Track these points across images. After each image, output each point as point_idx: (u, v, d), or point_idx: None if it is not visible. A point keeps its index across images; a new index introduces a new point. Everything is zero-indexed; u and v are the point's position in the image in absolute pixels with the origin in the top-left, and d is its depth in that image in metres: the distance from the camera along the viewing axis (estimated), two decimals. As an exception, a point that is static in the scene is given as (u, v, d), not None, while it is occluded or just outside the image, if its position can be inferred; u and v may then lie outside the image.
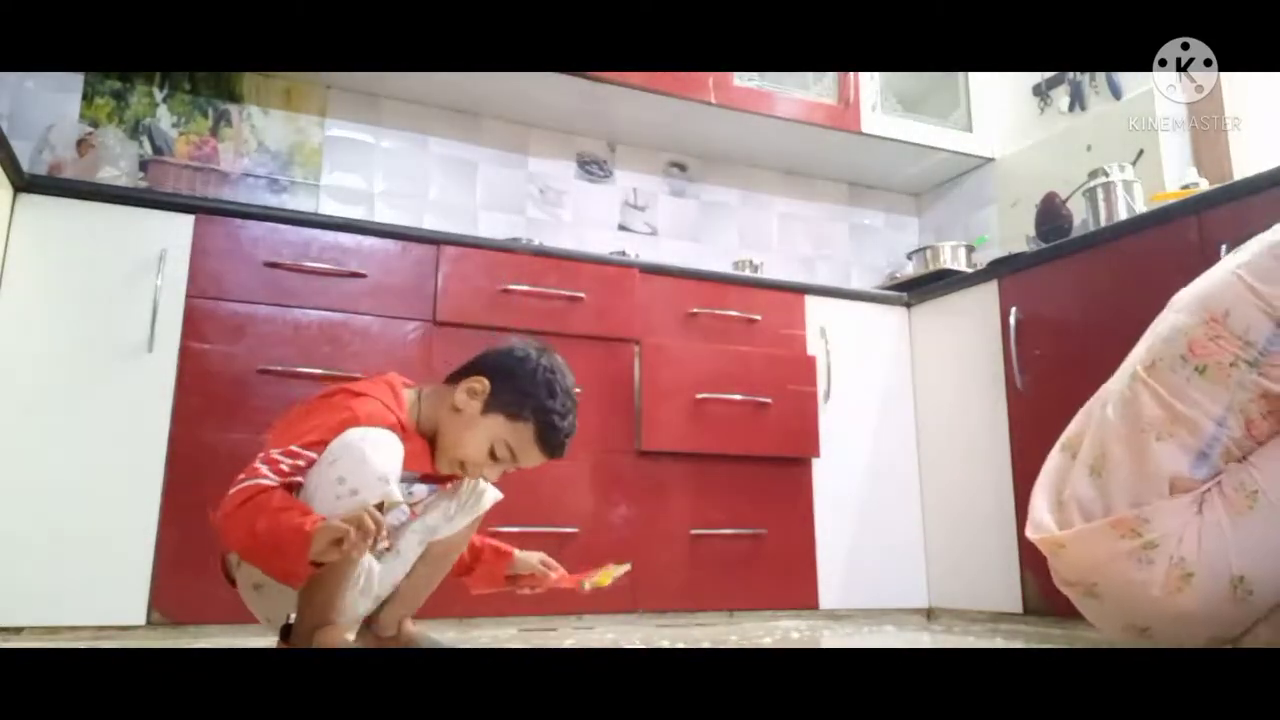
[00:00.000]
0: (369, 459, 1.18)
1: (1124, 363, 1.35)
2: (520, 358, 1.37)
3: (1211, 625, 1.13)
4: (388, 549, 1.38)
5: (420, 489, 1.41)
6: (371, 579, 1.35)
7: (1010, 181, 3.14)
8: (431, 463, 1.37)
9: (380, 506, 1.15)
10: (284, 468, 1.18)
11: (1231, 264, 1.23)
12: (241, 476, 1.16)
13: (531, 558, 1.54)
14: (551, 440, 1.35)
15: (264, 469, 1.16)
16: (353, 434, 1.21)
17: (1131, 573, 1.13)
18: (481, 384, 1.34)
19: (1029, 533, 1.30)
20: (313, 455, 1.20)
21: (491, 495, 1.45)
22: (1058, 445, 1.36)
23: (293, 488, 1.17)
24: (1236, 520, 1.10)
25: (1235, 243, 1.92)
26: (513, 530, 2.13)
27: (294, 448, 1.20)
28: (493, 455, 1.34)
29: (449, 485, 1.43)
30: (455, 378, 1.38)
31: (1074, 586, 1.24)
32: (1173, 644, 1.17)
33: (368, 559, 1.32)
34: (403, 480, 1.33)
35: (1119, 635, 1.22)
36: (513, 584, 1.54)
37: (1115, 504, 1.17)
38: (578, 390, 1.40)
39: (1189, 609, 1.11)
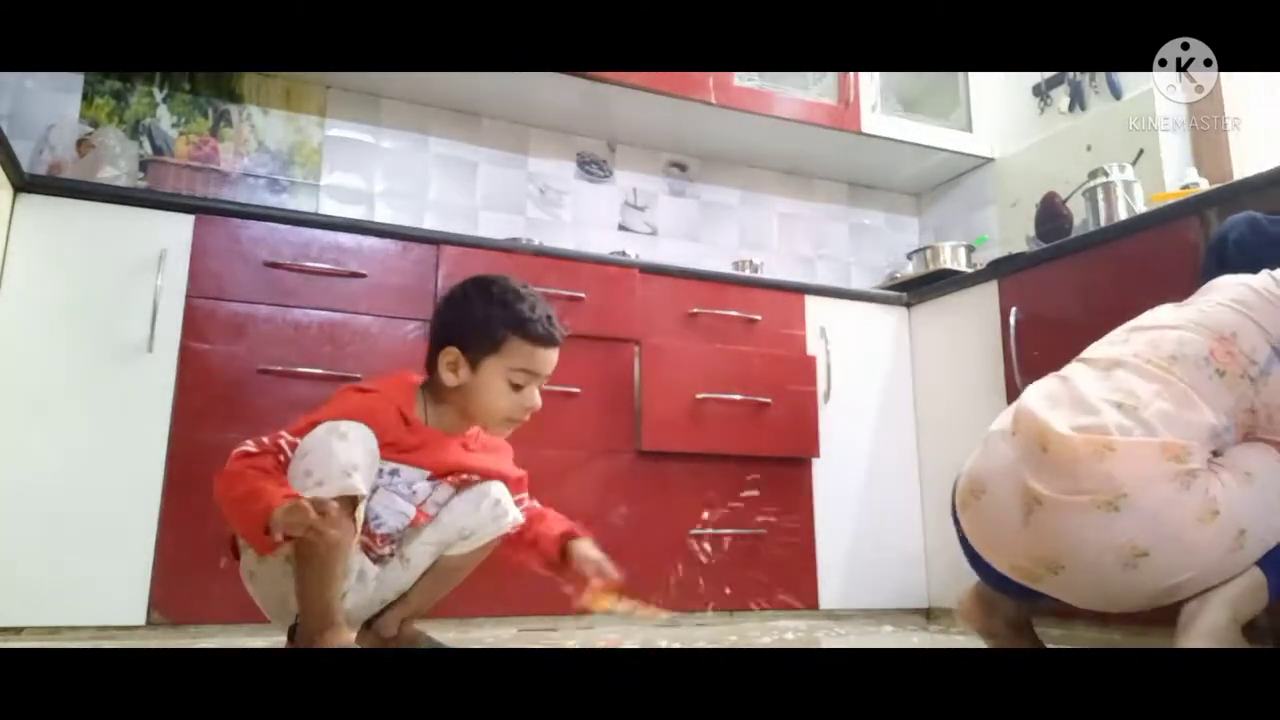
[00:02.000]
0: (335, 452, 1.22)
1: (1087, 360, 1.40)
2: (457, 300, 1.41)
3: (1204, 567, 1.22)
4: (390, 554, 1.38)
5: (423, 487, 1.39)
6: (366, 580, 1.35)
7: (1010, 181, 3.14)
8: (451, 452, 1.37)
9: (354, 501, 1.21)
10: (284, 446, 1.26)
11: (1219, 298, 1.35)
12: (249, 442, 1.27)
13: (591, 554, 1.44)
14: (539, 332, 1.37)
15: (265, 441, 1.27)
16: (323, 428, 1.25)
17: (1171, 493, 1.20)
18: (451, 353, 1.36)
19: (1061, 428, 1.27)
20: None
21: (513, 518, 1.44)
22: (1038, 398, 1.37)
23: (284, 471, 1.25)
24: (1243, 486, 1.23)
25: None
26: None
27: (290, 437, 1.27)
28: (515, 387, 1.37)
29: (463, 484, 1.42)
30: (430, 364, 1.40)
31: (1087, 495, 1.22)
32: (1155, 576, 1.22)
33: (360, 559, 1.34)
34: (397, 475, 1.35)
35: (1105, 559, 1.22)
36: (556, 570, 1.48)
37: (1159, 431, 1.23)
38: (535, 299, 1.43)
39: (1202, 542, 1.20)
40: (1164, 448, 1.21)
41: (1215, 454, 1.27)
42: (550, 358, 1.39)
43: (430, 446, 1.36)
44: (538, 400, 1.40)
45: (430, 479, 1.39)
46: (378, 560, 1.38)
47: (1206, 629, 1.22)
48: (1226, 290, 1.36)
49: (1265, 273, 1.36)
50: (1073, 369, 1.41)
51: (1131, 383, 1.29)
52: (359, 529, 1.29)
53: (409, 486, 1.37)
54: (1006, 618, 1.44)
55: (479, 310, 1.37)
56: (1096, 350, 1.42)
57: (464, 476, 1.42)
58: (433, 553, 1.40)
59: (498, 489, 1.45)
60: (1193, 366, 1.27)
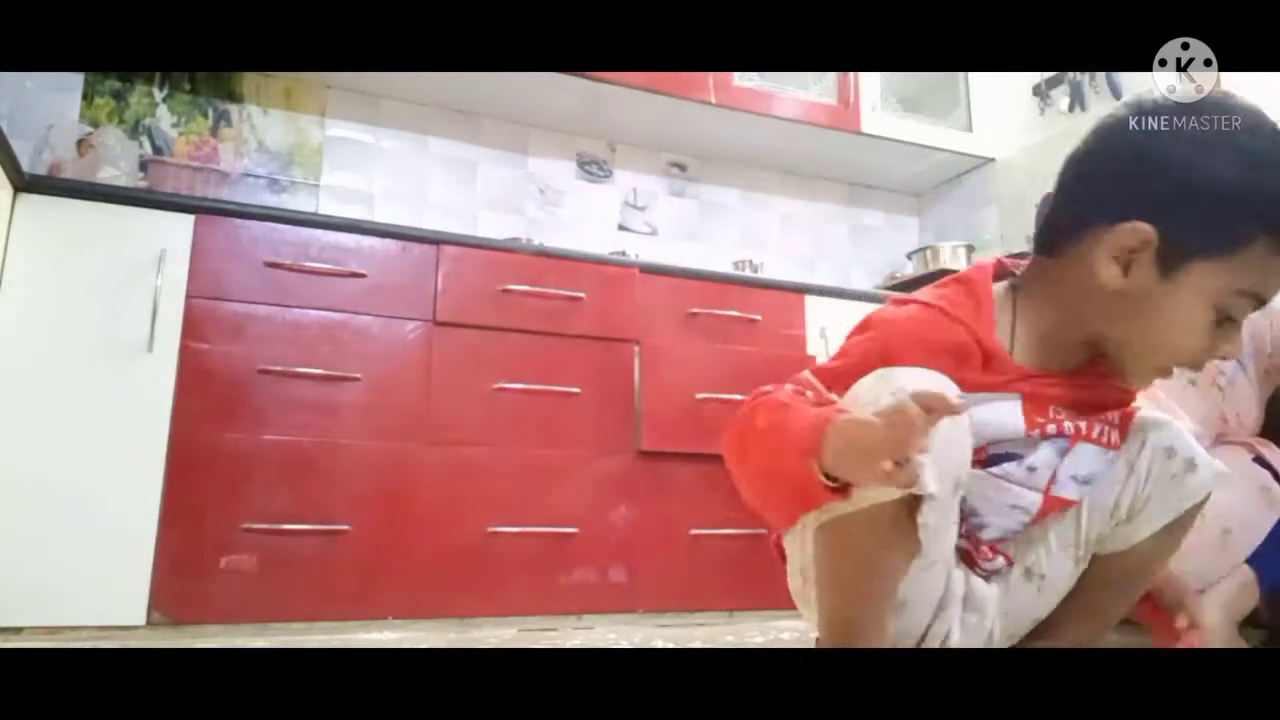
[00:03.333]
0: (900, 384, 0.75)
1: None
2: (1189, 142, 0.84)
3: (1198, 566, 1.25)
4: (1005, 568, 0.92)
5: (1045, 456, 0.89)
6: (982, 609, 0.90)
7: (1010, 181, 3.14)
8: (1053, 402, 0.89)
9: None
10: (813, 384, 0.84)
11: None
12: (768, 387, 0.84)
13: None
14: None
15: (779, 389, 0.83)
16: (870, 379, 0.80)
17: None
18: (1135, 233, 0.84)
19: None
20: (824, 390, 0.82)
21: (1205, 476, 0.95)
22: None
23: None
24: (1220, 489, 1.15)
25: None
26: (513, 530, 2.14)
27: (808, 375, 0.84)
28: (1221, 319, 0.85)
29: (1095, 430, 0.92)
30: (1051, 243, 0.92)
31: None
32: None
33: (959, 575, 0.88)
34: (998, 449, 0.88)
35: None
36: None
37: None
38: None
39: (1194, 542, 1.13)
40: None
41: None
42: None
43: (1039, 392, 0.87)
44: (1236, 352, 0.89)
45: (1043, 435, 0.89)
46: (988, 577, 0.93)
47: (1204, 630, 1.25)
48: None
49: None
50: None
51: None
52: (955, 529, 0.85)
53: (1023, 463, 0.90)
54: None
55: (1231, 173, 0.81)
56: None
57: (1101, 428, 0.91)
58: (1075, 555, 0.95)
59: (1172, 433, 0.96)
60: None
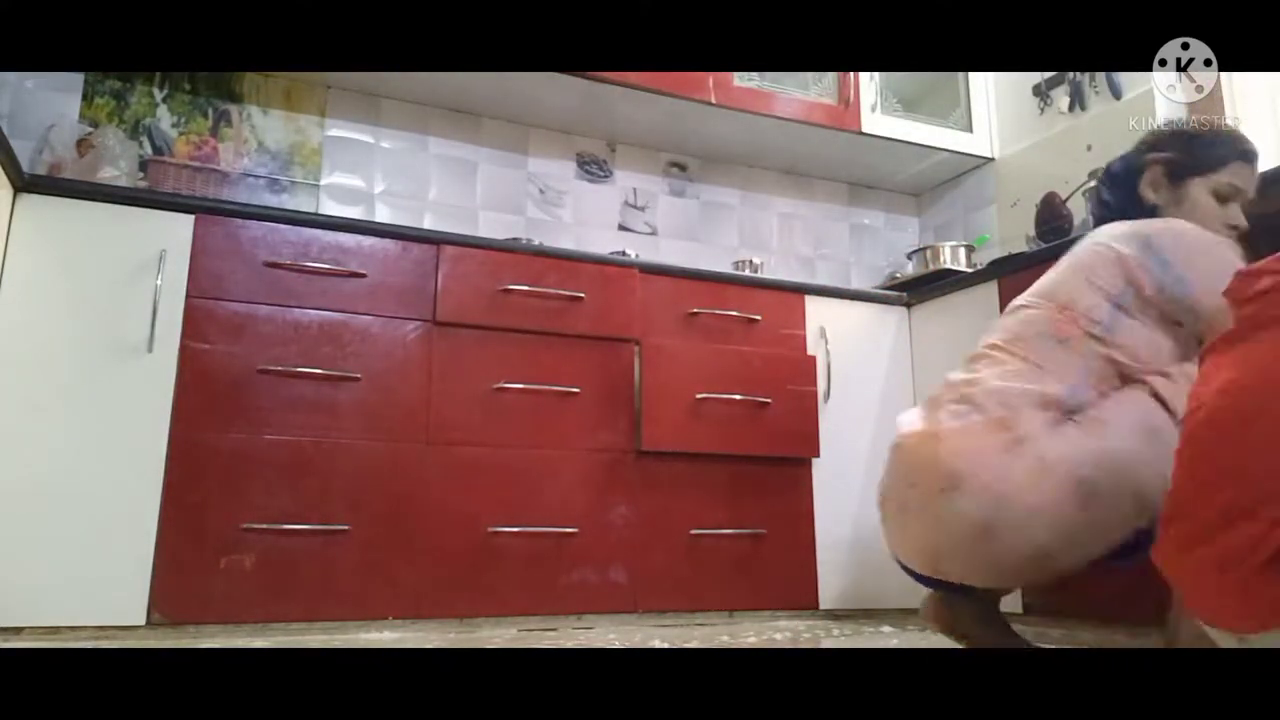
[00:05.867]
0: None
1: (979, 342, 1.48)
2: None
3: (1050, 529, 1.23)
4: None
5: None
6: None
7: (1010, 181, 3.14)
8: None
9: None
10: None
11: (1064, 266, 1.43)
12: None
13: None
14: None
15: None
16: None
17: (999, 461, 1.25)
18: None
19: (900, 434, 1.40)
20: None
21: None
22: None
23: None
24: (1088, 437, 1.25)
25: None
26: (513, 530, 2.14)
27: None
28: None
29: None
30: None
31: (930, 487, 1.31)
32: (1006, 549, 1.26)
33: None
34: None
35: (962, 538, 1.29)
36: None
37: (989, 409, 1.31)
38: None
39: (1039, 503, 1.22)
40: (988, 423, 1.29)
41: (1074, 412, 1.30)
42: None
43: None
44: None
45: None
46: None
47: (1190, 638, 1.23)
48: (1074, 254, 1.44)
49: (1106, 230, 1.41)
50: (954, 371, 1.48)
51: (980, 371, 1.38)
52: None
53: None
54: (971, 614, 1.44)
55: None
56: (979, 341, 1.49)
57: None
58: None
59: None
60: (1036, 341, 1.35)
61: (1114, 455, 1.23)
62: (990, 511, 1.25)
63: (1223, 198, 1.40)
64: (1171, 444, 1.13)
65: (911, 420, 1.40)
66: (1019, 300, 1.48)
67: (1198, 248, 1.32)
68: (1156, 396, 1.27)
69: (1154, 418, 1.25)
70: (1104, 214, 1.53)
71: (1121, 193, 1.51)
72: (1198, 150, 1.40)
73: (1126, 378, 1.32)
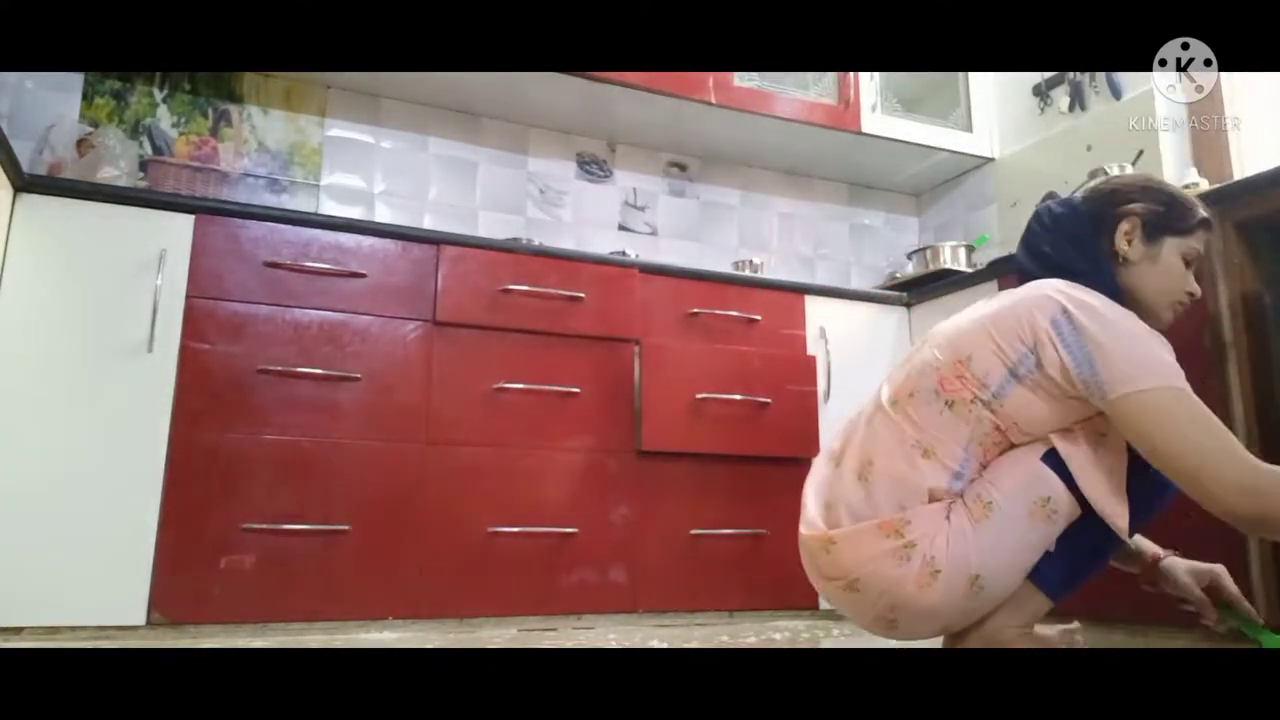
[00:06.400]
0: None
1: (884, 382, 1.47)
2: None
3: (948, 617, 1.28)
4: None
5: None
6: None
7: (1010, 181, 3.14)
8: None
9: None
10: None
11: (980, 313, 1.36)
12: None
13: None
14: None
15: None
16: None
17: (891, 569, 1.26)
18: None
19: (801, 529, 1.44)
20: None
21: None
22: (822, 455, 1.51)
23: None
24: (976, 527, 1.23)
25: (1237, 243, 1.92)
26: (513, 530, 2.14)
27: None
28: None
29: None
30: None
31: (835, 581, 1.37)
32: (909, 632, 1.33)
33: None
34: None
35: (871, 625, 1.37)
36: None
37: (881, 509, 1.31)
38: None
39: (934, 603, 1.25)
40: (879, 527, 1.29)
41: (963, 491, 1.28)
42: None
43: None
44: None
45: None
46: None
47: (980, 640, 1.29)
48: (993, 302, 1.37)
49: (1030, 287, 1.32)
50: (853, 418, 1.48)
51: (875, 441, 1.36)
52: None
53: None
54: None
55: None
56: (889, 376, 1.47)
57: None
58: None
59: None
60: (924, 402, 1.32)
61: (1004, 543, 1.23)
62: (888, 610, 1.30)
63: (1188, 263, 1.35)
64: (1062, 512, 1.20)
65: (812, 518, 1.42)
66: (935, 331, 1.44)
67: (1122, 332, 1.22)
68: (1054, 454, 1.23)
69: (1045, 487, 1.22)
70: (1038, 266, 1.40)
71: (1067, 243, 1.37)
72: (1175, 209, 1.34)
73: (1015, 439, 1.27)
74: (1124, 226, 1.34)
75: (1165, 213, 1.34)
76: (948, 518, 1.25)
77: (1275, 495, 1.12)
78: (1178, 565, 1.40)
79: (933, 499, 1.28)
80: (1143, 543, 1.43)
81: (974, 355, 1.29)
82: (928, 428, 1.30)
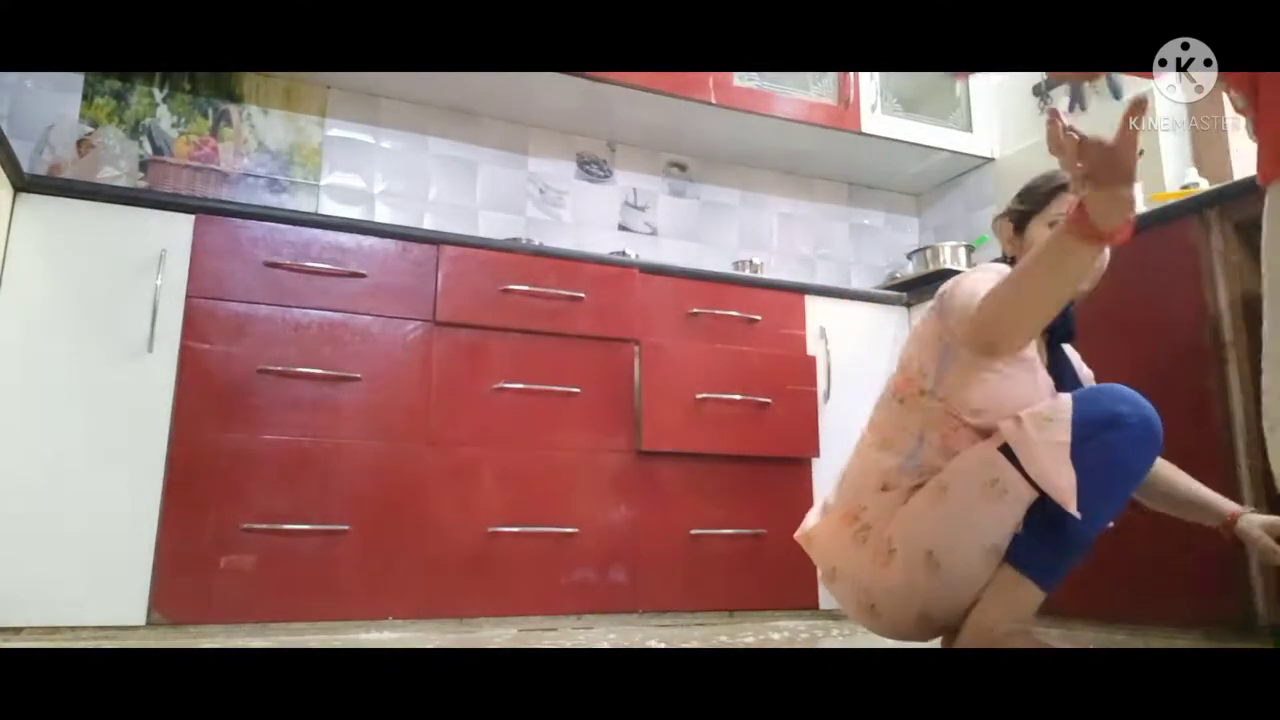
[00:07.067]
0: None
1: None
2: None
3: (920, 598, 1.34)
4: None
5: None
6: None
7: (1010, 181, 3.13)
8: None
9: None
10: None
11: (919, 319, 1.52)
12: None
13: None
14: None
15: None
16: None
17: (854, 553, 1.39)
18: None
19: (796, 535, 1.57)
20: None
21: None
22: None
23: None
24: (930, 508, 1.33)
25: (1237, 243, 1.93)
26: (513, 530, 2.14)
27: None
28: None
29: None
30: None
31: (824, 573, 1.51)
32: (893, 621, 1.40)
33: None
34: None
35: (857, 615, 1.46)
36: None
37: (846, 501, 1.45)
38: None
39: (896, 581, 1.34)
40: (842, 518, 1.44)
41: (918, 478, 1.37)
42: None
43: None
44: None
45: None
46: None
47: (975, 635, 1.31)
48: (925, 310, 1.52)
49: (945, 285, 1.45)
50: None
51: (860, 448, 1.50)
52: None
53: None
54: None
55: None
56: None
57: None
58: None
59: None
60: (883, 405, 1.48)
61: (955, 519, 1.31)
62: (863, 595, 1.40)
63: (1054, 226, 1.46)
64: (1014, 493, 1.26)
65: (805, 521, 1.57)
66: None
67: (966, 278, 1.38)
68: (1004, 446, 1.30)
69: (994, 470, 1.29)
70: None
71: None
72: (1029, 196, 1.48)
73: (977, 428, 1.35)
74: (1003, 234, 1.51)
75: (1022, 204, 1.49)
76: (904, 503, 1.36)
77: (996, 320, 1.27)
78: (1253, 521, 1.46)
79: (886, 484, 1.39)
80: (1221, 501, 1.50)
81: (913, 354, 1.43)
82: (883, 425, 1.44)
